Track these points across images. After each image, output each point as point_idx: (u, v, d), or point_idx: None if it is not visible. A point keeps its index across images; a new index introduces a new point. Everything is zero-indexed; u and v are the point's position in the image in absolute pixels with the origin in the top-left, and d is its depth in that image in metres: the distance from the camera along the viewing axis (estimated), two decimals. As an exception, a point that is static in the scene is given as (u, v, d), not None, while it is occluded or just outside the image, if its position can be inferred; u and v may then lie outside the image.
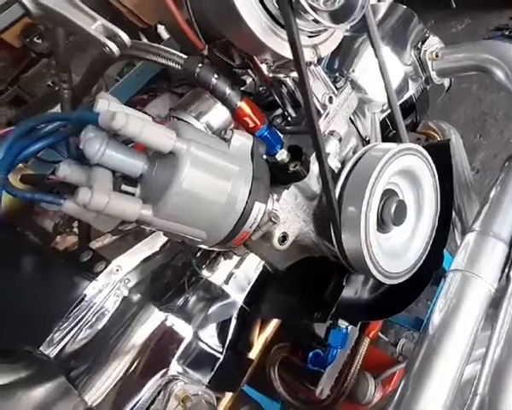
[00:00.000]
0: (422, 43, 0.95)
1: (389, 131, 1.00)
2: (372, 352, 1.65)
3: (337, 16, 0.55)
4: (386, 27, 0.95)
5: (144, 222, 0.49)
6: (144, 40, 3.32)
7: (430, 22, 4.10)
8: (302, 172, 0.62)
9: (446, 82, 1.08)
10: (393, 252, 0.72)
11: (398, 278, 0.72)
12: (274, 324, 0.87)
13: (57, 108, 1.26)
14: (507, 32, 3.27)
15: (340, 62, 0.90)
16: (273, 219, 0.60)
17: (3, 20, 0.52)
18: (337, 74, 0.85)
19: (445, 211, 0.80)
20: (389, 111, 0.90)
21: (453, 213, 0.90)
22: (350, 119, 0.82)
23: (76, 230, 0.79)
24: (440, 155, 0.84)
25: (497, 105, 2.95)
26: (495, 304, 0.61)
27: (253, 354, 0.83)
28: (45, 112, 1.30)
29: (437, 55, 0.92)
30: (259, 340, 0.85)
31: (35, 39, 5.69)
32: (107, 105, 0.46)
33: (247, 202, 0.52)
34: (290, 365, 0.89)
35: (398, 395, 0.55)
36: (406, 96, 0.94)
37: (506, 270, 0.64)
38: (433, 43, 1.00)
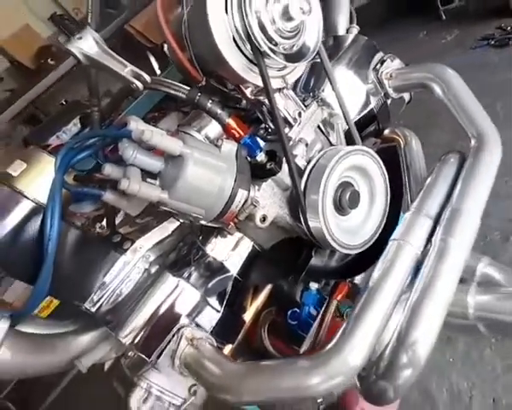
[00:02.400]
0: (381, 65, 1.18)
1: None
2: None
3: (294, 57, 0.79)
4: (350, 54, 1.18)
5: (162, 203, 0.72)
6: (152, 59, 3.61)
7: (422, 33, 4.36)
8: (276, 169, 0.85)
9: (406, 96, 1.30)
10: (351, 229, 0.95)
11: (355, 249, 0.94)
12: (264, 293, 1.09)
13: (70, 125, 1.49)
14: (492, 42, 3.48)
15: (313, 84, 1.14)
16: (254, 203, 0.83)
17: (63, 68, 0.76)
18: (309, 94, 1.09)
19: (398, 196, 1.03)
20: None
21: (408, 200, 1.11)
22: (319, 128, 1.06)
23: (98, 229, 1.02)
24: (391, 154, 1.07)
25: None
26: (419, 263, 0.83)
27: (247, 317, 1.05)
28: (59, 128, 1.52)
29: (391, 76, 1.15)
30: (252, 306, 1.07)
31: (49, 61, 6.11)
32: (137, 125, 0.69)
33: (232, 189, 0.76)
34: (277, 329, 1.10)
35: (342, 329, 0.76)
36: (368, 109, 1.17)
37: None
38: (393, 65, 1.23)
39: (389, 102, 1.25)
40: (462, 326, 0.99)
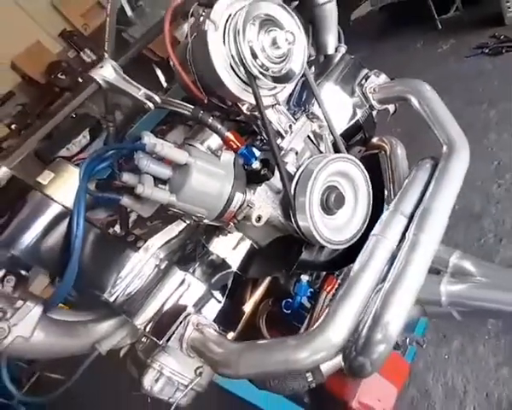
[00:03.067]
0: (365, 80, 1.31)
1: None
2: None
3: (282, 79, 0.93)
4: (338, 71, 1.32)
5: (171, 205, 0.86)
6: (159, 72, 3.81)
7: (419, 43, 4.50)
8: (268, 175, 0.98)
9: (391, 107, 1.43)
10: (338, 227, 1.08)
11: (341, 244, 1.07)
12: (262, 287, 1.22)
13: (80, 138, 1.60)
14: (486, 50, 3.61)
15: (304, 99, 1.27)
16: (250, 205, 0.96)
17: (85, 94, 0.90)
18: (301, 108, 1.23)
19: (380, 198, 1.15)
20: (341, 131, 1.28)
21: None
22: (310, 138, 1.19)
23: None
24: (373, 161, 1.20)
25: (476, 117, 3.27)
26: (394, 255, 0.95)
27: (247, 308, 1.18)
28: (68, 141, 1.63)
29: (375, 90, 1.28)
30: (251, 298, 1.20)
31: (59, 75, 6.35)
32: (149, 139, 0.83)
33: (230, 193, 0.89)
34: (275, 319, 1.23)
35: (326, 313, 0.89)
36: (354, 120, 1.30)
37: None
38: (378, 80, 1.36)
39: (374, 113, 1.38)
40: (438, 313, 1.10)
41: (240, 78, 0.91)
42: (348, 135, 1.31)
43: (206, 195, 0.87)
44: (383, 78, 1.41)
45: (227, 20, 0.89)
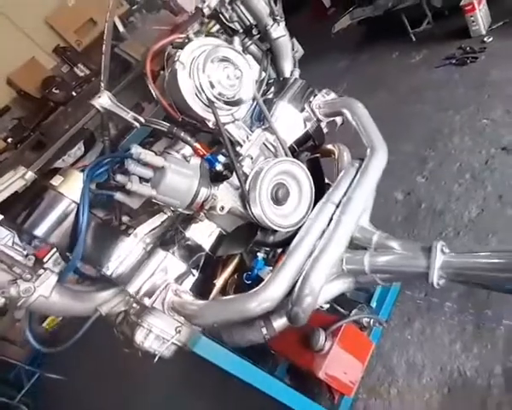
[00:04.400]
0: (313, 98, 1.65)
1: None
2: (320, 315, 2.33)
3: (236, 103, 1.26)
4: (291, 92, 1.65)
5: (153, 197, 1.19)
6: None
7: (395, 53, 4.87)
8: (228, 175, 1.31)
9: (339, 119, 1.76)
10: (285, 214, 1.41)
11: (288, 228, 1.40)
12: (232, 265, 1.55)
13: (75, 149, 1.85)
14: (454, 61, 3.97)
15: (262, 115, 1.61)
16: (214, 198, 1.29)
17: (88, 117, 1.23)
18: (260, 122, 1.56)
19: (321, 190, 1.48)
20: (293, 140, 1.61)
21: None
22: (267, 146, 1.52)
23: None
24: (315, 162, 1.53)
25: (443, 123, 3.62)
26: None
27: (218, 282, 1.51)
28: (64, 153, 1.89)
29: (320, 106, 1.62)
30: (222, 275, 1.53)
31: (53, 90, 6.79)
32: (136, 149, 1.16)
33: (197, 188, 1.22)
34: (240, 290, 1.55)
35: (269, 276, 1.21)
36: (304, 131, 1.64)
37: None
38: (326, 98, 1.69)
39: (323, 125, 1.72)
40: (367, 281, 1.42)
41: (203, 102, 1.25)
42: (300, 143, 1.64)
43: (178, 189, 1.20)
44: (332, 96, 1.75)
45: (192, 60, 1.22)
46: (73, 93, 6.48)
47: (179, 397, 3.42)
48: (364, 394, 2.55)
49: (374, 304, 2.64)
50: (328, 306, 2.49)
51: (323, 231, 1.29)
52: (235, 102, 1.26)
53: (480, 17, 3.90)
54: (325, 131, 1.76)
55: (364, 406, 2.51)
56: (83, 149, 1.82)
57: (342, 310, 2.49)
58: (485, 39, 3.90)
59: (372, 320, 2.43)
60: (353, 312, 2.46)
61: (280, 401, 2.11)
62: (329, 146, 1.84)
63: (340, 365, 2.20)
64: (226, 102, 1.23)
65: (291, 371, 2.63)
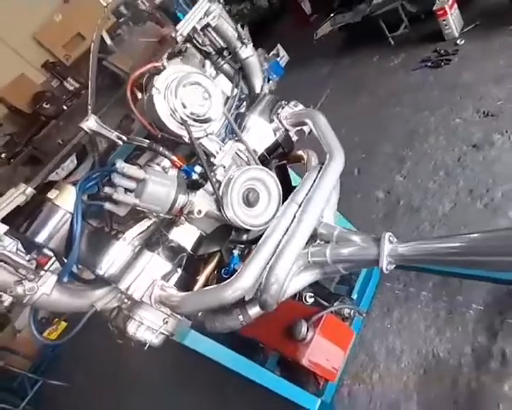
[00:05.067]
0: (281, 110, 1.85)
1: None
2: (303, 307, 2.53)
3: (206, 120, 1.46)
4: (261, 106, 1.85)
5: (137, 205, 1.38)
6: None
7: (375, 57, 5.09)
8: (203, 183, 1.51)
9: (306, 128, 1.96)
10: (256, 215, 1.60)
11: (259, 227, 1.59)
12: (213, 263, 1.74)
13: (67, 163, 2.01)
14: (429, 63, 4.19)
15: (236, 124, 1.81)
16: (191, 203, 1.49)
17: (78, 138, 1.43)
18: (232, 134, 1.76)
19: (288, 192, 1.68)
20: (264, 148, 1.81)
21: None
22: (238, 155, 1.72)
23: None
24: (283, 169, 1.74)
25: (419, 123, 3.83)
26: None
27: (201, 279, 1.70)
28: (58, 166, 2.05)
29: (287, 117, 1.82)
30: (203, 272, 1.72)
31: (44, 105, 7.05)
32: (120, 164, 1.36)
33: (174, 195, 1.42)
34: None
35: (240, 269, 1.41)
36: (274, 140, 1.84)
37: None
38: (294, 110, 1.89)
39: (292, 133, 1.92)
40: (332, 271, 1.62)
41: (177, 121, 1.45)
42: (271, 150, 1.84)
43: (158, 197, 1.40)
44: (300, 107, 1.95)
45: (166, 86, 1.43)
46: (64, 107, 6.70)
47: (177, 395, 3.60)
48: (349, 380, 2.74)
49: (355, 296, 2.84)
50: (312, 300, 2.70)
51: (287, 228, 1.49)
52: (205, 120, 1.46)
53: (452, 21, 4.12)
54: (295, 138, 1.97)
55: (349, 391, 2.70)
56: (75, 161, 2.00)
57: (325, 303, 2.69)
58: (458, 42, 4.12)
59: (352, 311, 2.62)
60: (335, 304, 2.66)
61: (269, 389, 2.31)
62: (299, 152, 2.04)
63: (322, 352, 2.39)
64: (197, 120, 1.43)
65: (281, 364, 2.82)
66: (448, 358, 2.41)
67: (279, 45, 6.60)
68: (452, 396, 2.24)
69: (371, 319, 2.91)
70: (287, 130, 1.87)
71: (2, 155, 6.22)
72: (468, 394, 2.19)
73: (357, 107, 4.69)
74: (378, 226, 3.38)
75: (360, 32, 5.31)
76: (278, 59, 6.54)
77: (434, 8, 4.11)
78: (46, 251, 1.44)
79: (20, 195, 1.34)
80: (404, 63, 4.61)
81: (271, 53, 6.61)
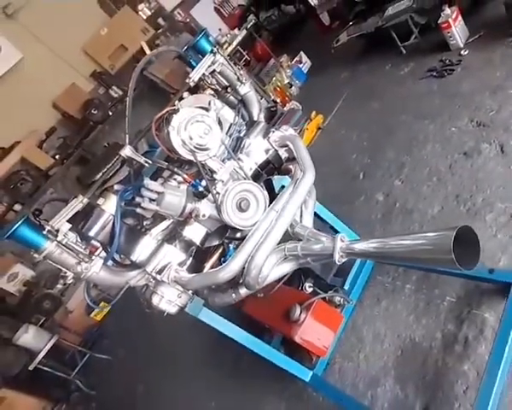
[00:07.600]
0: (272, 134, 2.40)
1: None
2: (299, 294, 3.08)
3: (206, 149, 2.05)
4: (256, 131, 2.41)
5: (157, 211, 1.99)
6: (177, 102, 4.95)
7: (388, 65, 5.49)
8: (206, 194, 2.10)
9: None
10: (247, 219, 2.17)
11: (250, 227, 2.16)
12: (215, 255, 2.33)
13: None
14: (434, 73, 4.56)
15: (235, 149, 2.38)
16: (197, 209, 2.08)
17: (118, 162, 2.06)
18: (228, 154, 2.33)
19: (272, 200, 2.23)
20: (257, 165, 2.37)
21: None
22: (236, 171, 2.29)
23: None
24: (269, 182, 2.30)
25: (420, 131, 4.22)
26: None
27: (207, 266, 2.29)
28: (105, 166, 2.76)
29: (275, 140, 2.37)
30: (209, 261, 2.31)
31: (92, 111, 8.18)
32: (147, 181, 1.97)
33: (184, 204, 2.02)
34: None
35: (230, 258, 1.98)
36: (265, 158, 2.39)
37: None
38: (284, 133, 2.44)
39: (281, 152, 2.46)
40: (304, 263, 2.16)
41: (187, 149, 2.04)
42: (263, 166, 2.40)
43: (172, 205, 2.01)
44: (290, 131, 2.49)
45: (179, 124, 2.02)
46: (109, 113, 7.64)
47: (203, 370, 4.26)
48: (340, 358, 3.26)
49: (347, 287, 3.35)
50: (311, 290, 3.24)
51: (267, 229, 2.05)
52: (206, 148, 2.04)
53: (457, 32, 4.45)
54: (285, 156, 2.52)
55: (339, 367, 3.23)
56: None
57: (321, 292, 3.22)
58: (462, 52, 4.45)
59: (342, 299, 3.14)
60: (328, 293, 3.19)
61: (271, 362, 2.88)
62: (289, 166, 2.59)
63: (313, 332, 2.93)
64: (200, 149, 2.02)
65: (284, 343, 3.38)
66: (422, 341, 2.86)
67: (302, 52, 7.09)
68: (422, 372, 2.70)
69: (363, 307, 3.40)
70: (276, 150, 2.42)
71: (57, 157, 7.20)
72: (435, 371, 2.65)
73: (368, 112, 5.11)
74: (376, 225, 3.84)
75: (376, 41, 5.70)
76: (301, 65, 7.02)
77: (439, 21, 4.46)
78: (96, 242, 2.08)
79: (79, 203, 1.99)
80: (412, 72, 4.96)
81: (294, 60, 7.10)
